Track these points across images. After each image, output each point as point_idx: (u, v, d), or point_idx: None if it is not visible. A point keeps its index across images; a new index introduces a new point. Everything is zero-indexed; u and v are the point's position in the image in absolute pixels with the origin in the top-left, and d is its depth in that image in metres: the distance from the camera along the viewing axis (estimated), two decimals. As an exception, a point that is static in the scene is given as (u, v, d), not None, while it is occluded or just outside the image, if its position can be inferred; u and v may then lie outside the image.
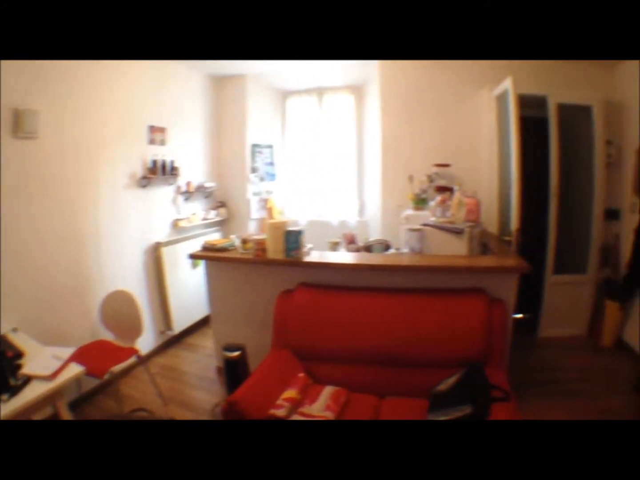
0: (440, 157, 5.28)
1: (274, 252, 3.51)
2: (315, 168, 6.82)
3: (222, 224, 6.45)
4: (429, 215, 4.19)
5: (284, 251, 3.48)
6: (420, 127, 5.54)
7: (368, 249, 4.39)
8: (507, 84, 4.50)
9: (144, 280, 5.07)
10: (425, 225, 3.84)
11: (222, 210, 6.34)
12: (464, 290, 3.30)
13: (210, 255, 3.89)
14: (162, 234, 5.33)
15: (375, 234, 5.76)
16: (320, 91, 6.67)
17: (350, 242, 4.61)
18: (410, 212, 4.62)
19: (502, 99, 4.90)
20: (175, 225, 5.52)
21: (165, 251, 5.21)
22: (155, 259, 5.20)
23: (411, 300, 3.22)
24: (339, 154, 6.72)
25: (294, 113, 6.92)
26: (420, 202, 4.76)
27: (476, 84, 5.37)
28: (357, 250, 4.45)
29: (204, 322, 5.78)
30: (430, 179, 5.11)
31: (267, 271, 3.79)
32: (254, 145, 6.41)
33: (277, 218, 6.55)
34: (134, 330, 3.82)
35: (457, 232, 3.66)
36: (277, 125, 6.97)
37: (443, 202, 4.06)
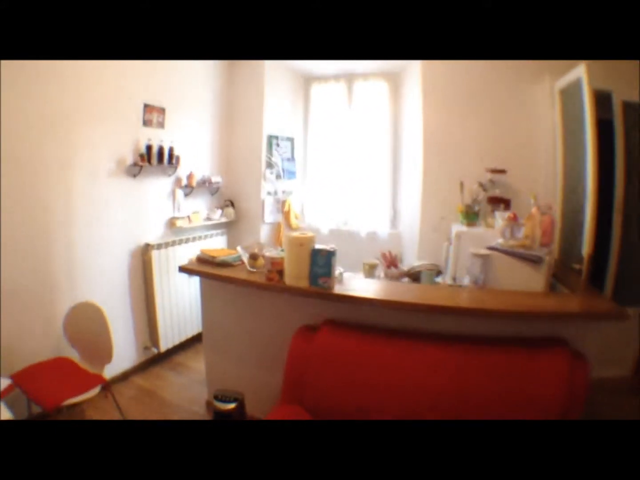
0: (492, 160, 4.47)
1: (295, 277, 2.63)
2: (342, 167, 5.89)
3: (228, 227, 5.59)
4: (484, 233, 3.53)
5: (309, 277, 2.60)
6: (469, 123, 4.67)
7: (415, 276, 3.57)
8: (579, 73, 3.63)
9: (128, 287, 4.27)
10: (491, 249, 3.00)
11: (230, 211, 5.46)
12: (538, 340, 2.43)
13: (207, 272, 3.04)
14: (154, 234, 4.51)
15: (410, 250, 5.09)
16: (349, 77, 5.75)
17: (391, 264, 3.74)
18: (461, 228, 3.81)
19: (569, 93, 4.06)
20: (171, 224, 4.70)
21: (156, 255, 4.38)
22: (143, 262, 4.39)
23: (469, 354, 2.37)
24: (370, 151, 5.78)
25: (318, 102, 5.98)
26: (472, 216, 3.96)
27: (533, 74, 4.44)
28: (400, 276, 3.61)
29: (198, 339, 4.91)
30: (483, 187, 4.26)
31: (282, 299, 2.92)
32: (271, 137, 5.50)
33: (294, 223, 5.77)
34: (102, 354, 3.13)
35: (535, 261, 2.84)
36: (298, 115, 6.03)
37: (514, 219, 3.22)
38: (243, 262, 3.07)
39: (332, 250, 2.55)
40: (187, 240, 4.80)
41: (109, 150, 3.88)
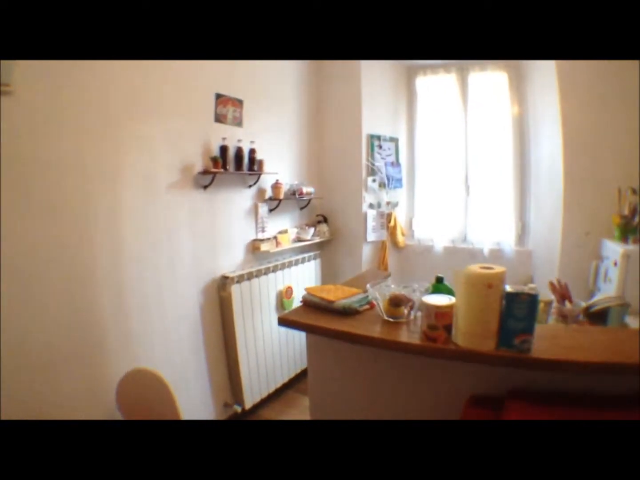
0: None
1: (474, 336, 1.61)
2: (456, 173, 4.82)
3: (321, 248, 4.59)
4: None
5: (498, 335, 1.59)
6: (613, 119, 3.72)
7: (597, 316, 2.52)
8: None
9: (201, 332, 3.39)
10: None
11: (323, 228, 4.48)
12: None
13: (322, 327, 1.95)
14: (232, 262, 3.59)
15: (542, 271, 4.21)
16: (461, 67, 4.66)
17: (564, 297, 2.66)
18: (629, 246, 3.19)
19: None
20: (253, 248, 3.76)
21: (236, 290, 3.44)
22: (220, 300, 3.49)
23: None
24: (491, 154, 4.71)
25: (425, 96, 4.90)
26: (631, 230, 3.32)
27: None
28: (578, 314, 2.57)
29: (288, 386, 4.15)
30: (640, 195, 3.44)
31: (439, 363, 1.86)
32: (372, 137, 4.52)
33: (401, 241, 4.74)
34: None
35: None
36: (401, 112, 4.94)
37: None
38: (371, 307, 2.06)
39: (534, 293, 1.55)
40: (274, 269, 3.84)
41: (170, 155, 2.98)
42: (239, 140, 3.37)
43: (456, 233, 4.80)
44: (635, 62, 3.53)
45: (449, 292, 1.95)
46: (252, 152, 3.45)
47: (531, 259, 4.53)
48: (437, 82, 4.82)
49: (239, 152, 3.34)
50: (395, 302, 1.87)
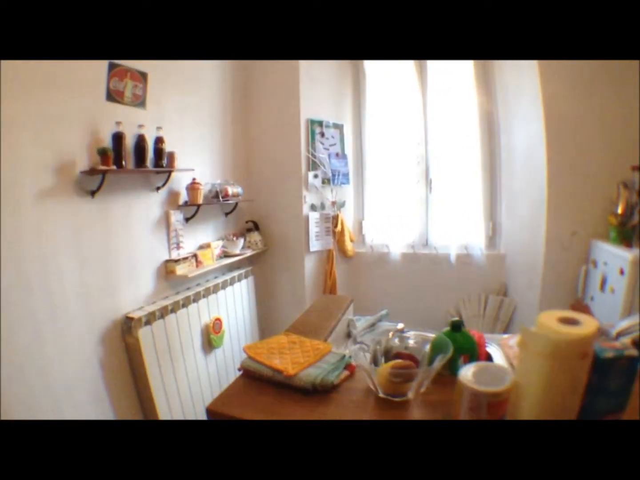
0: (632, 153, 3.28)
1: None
2: (414, 167, 4.20)
3: (253, 263, 3.84)
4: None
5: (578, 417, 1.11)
6: (602, 105, 3.39)
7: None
8: None
9: (106, 395, 2.51)
10: None
11: (255, 237, 3.71)
12: None
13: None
14: (138, 295, 2.73)
15: (518, 277, 3.88)
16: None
17: None
18: (637, 251, 2.85)
19: None
20: (167, 273, 2.93)
21: (147, 333, 2.60)
22: (127, 349, 2.63)
23: None
24: (454, 146, 4.14)
25: (375, 76, 4.25)
26: (627, 232, 3.05)
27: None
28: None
29: None
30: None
31: None
32: (313, 122, 3.85)
33: (350, 249, 4.06)
34: None
35: None
36: (346, 95, 4.28)
37: None
38: (351, 372, 1.44)
39: (635, 355, 1.09)
40: (196, 297, 3.02)
41: (40, 148, 2.14)
42: (141, 126, 2.55)
43: (416, 236, 4.22)
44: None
45: (468, 343, 1.42)
46: (159, 141, 2.64)
47: (504, 263, 4.12)
48: (390, 65, 4.21)
49: (140, 142, 2.52)
50: (405, 377, 1.24)
